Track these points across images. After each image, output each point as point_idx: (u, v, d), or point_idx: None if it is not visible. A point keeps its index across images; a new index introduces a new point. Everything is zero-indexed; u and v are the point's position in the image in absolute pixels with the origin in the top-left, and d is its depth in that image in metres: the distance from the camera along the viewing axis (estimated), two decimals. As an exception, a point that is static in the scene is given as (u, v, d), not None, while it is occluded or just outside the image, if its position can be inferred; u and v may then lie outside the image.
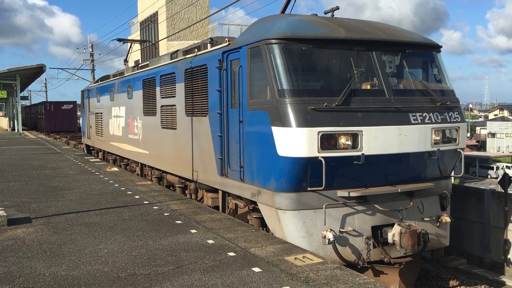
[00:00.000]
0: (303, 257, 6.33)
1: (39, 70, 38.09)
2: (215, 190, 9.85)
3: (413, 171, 7.78)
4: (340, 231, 7.22)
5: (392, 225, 7.41)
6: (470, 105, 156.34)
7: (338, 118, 7.03)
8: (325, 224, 7.09)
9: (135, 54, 44.60)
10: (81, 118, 25.70)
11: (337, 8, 8.70)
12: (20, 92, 44.36)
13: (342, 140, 7.04)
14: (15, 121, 45.14)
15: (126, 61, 22.78)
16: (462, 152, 8.20)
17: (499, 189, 11.68)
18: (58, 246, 6.83)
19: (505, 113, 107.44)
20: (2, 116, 62.94)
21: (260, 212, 7.98)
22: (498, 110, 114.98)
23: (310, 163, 6.90)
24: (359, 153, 7.05)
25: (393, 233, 7.28)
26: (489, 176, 53.82)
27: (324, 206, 7.05)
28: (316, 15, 8.65)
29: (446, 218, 8.07)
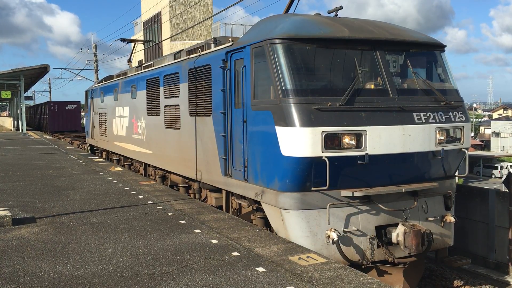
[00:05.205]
0: (307, 257, 6.32)
1: (43, 70, 38.22)
2: (218, 190, 9.86)
3: (417, 171, 7.77)
4: (344, 231, 7.21)
5: (396, 225, 7.40)
6: (474, 105, 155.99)
7: (342, 117, 7.03)
8: (329, 224, 7.08)
9: (139, 54, 44.69)
10: (85, 118, 25.77)
11: (341, 7, 8.69)
12: (24, 92, 44.49)
13: (346, 140, 7.03)
14: (19, 121, 45.29)
15: (129, 61, 22.83)
16: (466, 151, 8.17)
17: (504, 188, 11.65)
18: (63, 246, 6.85)
19: (509, 113, 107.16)
20: (7, 116, 63.14)
21: (263, 212, 7.98)
22: (502, 110, 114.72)
23: (314, 163, 6.89)
24: (363, 153, 7.04)
25: (397, 233, 7.27)
26: (493, 176, 53.61)
27: (328, 206, 7.05)
28: (320, 14, 8.64)
29: (450, 218, 8.05)
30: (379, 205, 7.35)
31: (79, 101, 50.38)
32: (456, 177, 8.87)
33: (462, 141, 8.07)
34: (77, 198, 10.54)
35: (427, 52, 8.49)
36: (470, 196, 12.02)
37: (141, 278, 5.54)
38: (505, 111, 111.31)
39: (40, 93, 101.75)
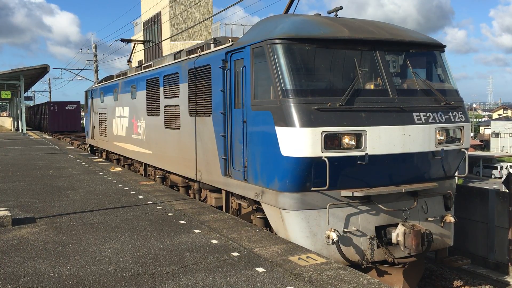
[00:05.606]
0: (307, 257, 6.32)
1: (43, 70, 38.22)
2: (218, 190, 9.86)
3: (417, 171, 7.77)
4: (343, 231, 7.21)
5: (396, 225, 7.40)
6: (474, 105, 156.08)
7: (342, 118, 7.03)
8: (328, 224, 7.08)
9: (139, 54, 44.68)
10: (84, 118, 25.77)
11: (341, 8, 8.69)
12: (24, 93, 44.48)
13: (346, 140, 7.03)
14: (19, 122, 45.28)
15: (129, 61, 22.83)
16: (466, 152, 8.17)
17: (503, 189, 11.64)
18: (63, 246, 6.85)
19: (509, 113, 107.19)
20: (6, 116, 63.12)
21: (263, 212, 7.98)
22: (502, 110, 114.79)
23: (313, 163, 6.89)
24: (363, 153, 7.04)
25: (397, 233, 7.26)
26: (493, 176, 53.66)
27: (327, 206, 7.05)
28: (320, 15, 8.64)
29: (450, 218, 8.05)
30: (379, 205, 7.35)
31: (79, 101, 50.45)
32: (456, 177, 8.87)
33: (462, 141, 8.08)
34: (77, 198, 10.53)
35: (427, 52, 8.49)
36: (470, 196, 12.02)
37: (140, 279, 5.54)
38: (505, 111, 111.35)
39: (40, 93, 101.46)
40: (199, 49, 10.57)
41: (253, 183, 7.96)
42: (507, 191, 11.30)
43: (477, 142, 79.99)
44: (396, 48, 8.01)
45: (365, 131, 7.10)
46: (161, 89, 12.42)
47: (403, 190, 7.40)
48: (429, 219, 7.93)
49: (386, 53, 7.81)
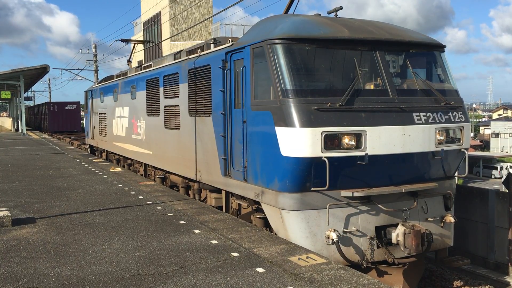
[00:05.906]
0: (307, 257, 6.32)
1: (42, 70, 38.20)
2: (218, 190, 9.86)
3: (417, 171, 7.77)
4: (343, 231, 7.21)
5: (396, 225, 7.40)
6: (474, 105, 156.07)
7: (342, 118, 7.03)
8: (328, 224, 7.08)
9: (139, 54, 44.67)
10: (84, 119, 25.77)
11: (341, 8, 8.69)
12: (24, 93, 44.48)
13: (346, 140, 7.03)
14: (19, 122, 45.28)
15: (129, 61, 22.83)
16: (466, 152, 8.17)
17: (503, 189, 11.64)
18: (62, 246, 6.85)
19: (509, 113, 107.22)
20: (6, 116, 63.13)
21: (263, 212, 7.98)
22: (502, 110, 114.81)
23: (313, 163, 6.89)
24: (362, 153, 7.04)
25: (397, 233, 7.26)
26: (493, 176, 53.64)
27: (327, 206, 7.05)
28: (320, 15, 8.64)
29: (450, 218, 8.05)
30: (379, 205, 7.35)
31: (79, 102, 50.46)
32: (456, 178, 8.87)
33: (461, 141, 8.07)
34: (76, 198, 10.53)
35: (426, 53, 8.49)
36: (470, 196, 12.02)
37: (140, 279, 5.53)
38: (504, 112, 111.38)
39: (39, 93, 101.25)
40: (199, 49, 10.57)
41: (253, 183, 7.96)
42: (507, 191, 11.30)
43: (477, 142, 79.97)
44: (396, 48, 8.01)
45: (365, 131, 7.10)
46: (161, 89, 12.42)
47: (403, 190, 7.40)
48: (429, 219, 7.93)
49: (386, 53, 7.81)
